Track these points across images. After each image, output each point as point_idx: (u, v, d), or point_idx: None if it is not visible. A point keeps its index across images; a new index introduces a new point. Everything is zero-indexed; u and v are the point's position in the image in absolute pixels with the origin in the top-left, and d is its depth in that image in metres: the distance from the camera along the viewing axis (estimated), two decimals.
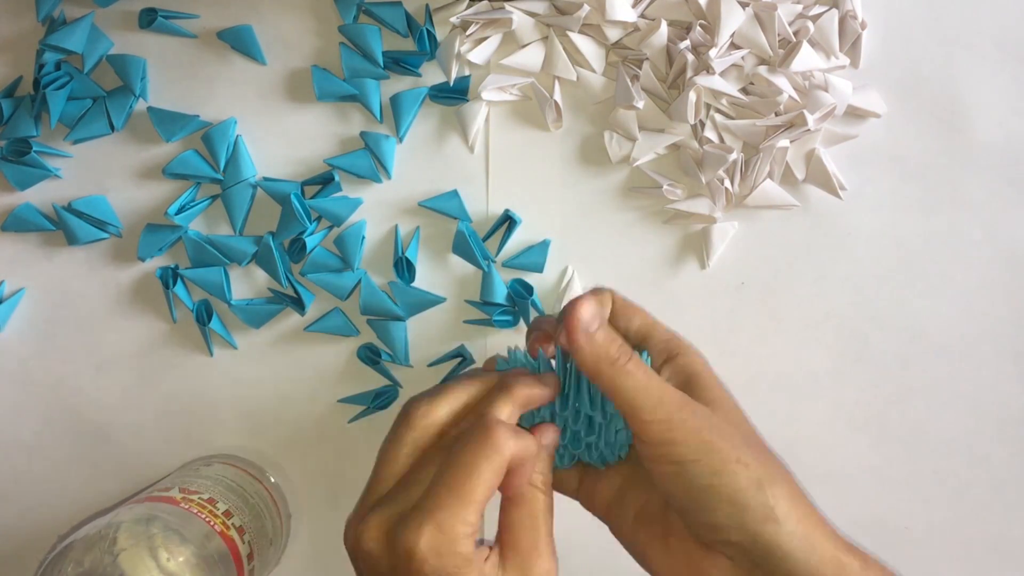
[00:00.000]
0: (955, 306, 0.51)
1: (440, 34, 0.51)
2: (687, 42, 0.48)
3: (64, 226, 0.50)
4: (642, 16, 0.49)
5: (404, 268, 0.50)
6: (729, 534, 0.36)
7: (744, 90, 0.49)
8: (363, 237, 0.51)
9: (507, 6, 0.49)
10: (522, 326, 0.51)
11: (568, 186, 0.51)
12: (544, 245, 0.51)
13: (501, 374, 0.39)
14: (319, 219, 0.51)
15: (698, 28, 0.48)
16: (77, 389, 0.52)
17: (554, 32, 0.50)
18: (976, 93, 0.50)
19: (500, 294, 0.50)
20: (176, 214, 0.50)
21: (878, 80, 0.50)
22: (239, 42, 0.51)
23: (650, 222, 0.51)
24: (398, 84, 0.51)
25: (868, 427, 0.51)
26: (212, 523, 0.43)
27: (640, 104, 0.48)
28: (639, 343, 0.41)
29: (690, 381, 0.39)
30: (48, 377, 0.52)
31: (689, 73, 0.48)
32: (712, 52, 0.47)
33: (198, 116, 0.51)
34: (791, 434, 0.51)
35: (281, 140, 0.51)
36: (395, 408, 0.51)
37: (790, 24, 0.48)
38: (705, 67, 0.48)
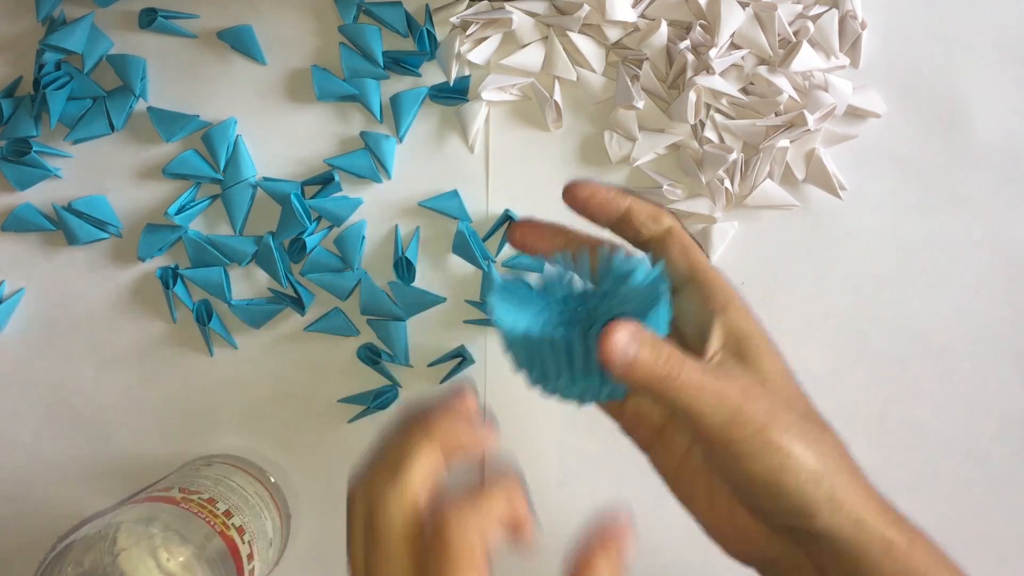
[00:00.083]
0: (955, 306, 0.51)
1: (440, 34, 0.51)
2: (687, 42, 0.48)
3: (64, 226, 0.50)
4: (642, 16, 0.49)
5: (404, 268, 0.50)
6: (785, 519, 0.36)
7: (744, 90, 0.49)
8: (363, 237, 0.51)
9: (507, 6, 0.49)
10: None
11: None
12: None
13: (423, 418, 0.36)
14: (319, 219, 0.51)
15: (698, 28, 0.48)
16: (77, 389, 0.52)
17: (554, 32, 0.50)
18: (976, 93, 0.50)
19: None
20: (176, 214, 0.50)
21: (878, 80, 0.50)
22: (239, 42, 0.51)
23: None
24: (398, 84, 0.51)
25: (868, 427, 0.51)
26: (212, 523, 0.43)
27: (640, 104, 0.48)
28: (683, 282, 0.39)
29: (740, 349, 0.37)
30: (48, 377, 0.52)
31: (689, 73, 0.48)
32: (712, 52, 0.47)
33: (198, 116, 0.51)
34: None
35: (281, 140, 0.51)
36: (395, 408, 0.51)
37: (790, 24, 0.48)
38: (705, 67, 0.48)
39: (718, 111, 0.49)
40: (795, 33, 0.48)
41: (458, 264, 0.51)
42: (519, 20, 0.49)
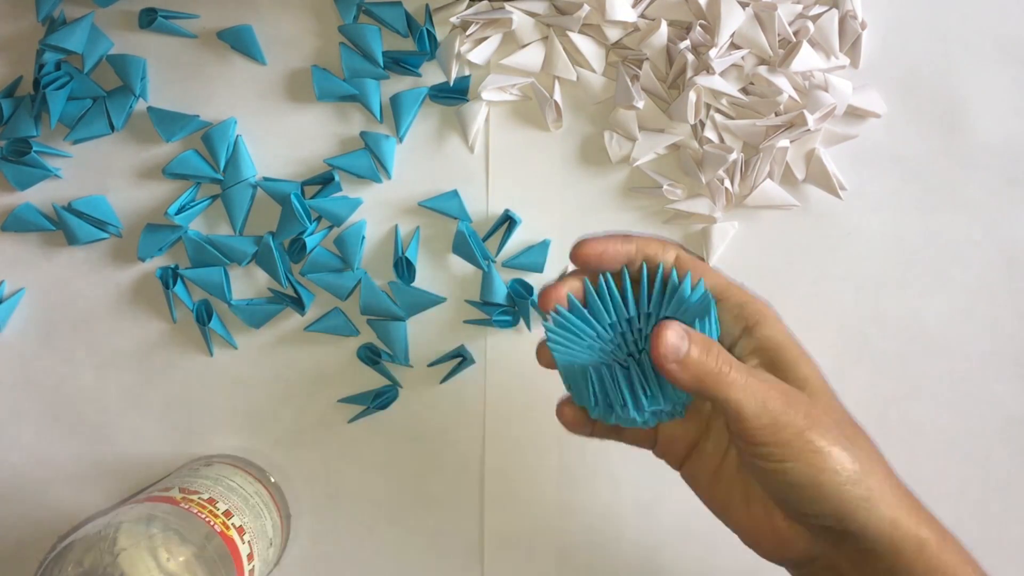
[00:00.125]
0: (955, 306, 0.51)
1: (440, 34, 0.51)
2: (687, 42, 0.48)
3: (64, 226, 0.50)
4: (642, 16, 0.49)
5: (404, 268, 0.50)
6: (823, 520, 0.37)
7: (744, 90, 0.49)
8: (363, 237, 0.51)
9: (507, 6, 0.49)
10: (522, 326, 0.51)
11: (568, 186, 0.51)
12: (544, 245, 0.51)
13: None
14: (319, 219, 0.51)
15: (698, 28, 0.48)
16: (77, 389, 0.52)
17: (554, 32, 0.50)
18: (976, 93, 0.50)
19: (500, 294, 0.50)
20: (176, 214, 0.50)
21: (878, 80, 0.50)
22: (239, 42, 0.51)
23: (650, 222, 0.51)
24: (398, 84, 0.51)
25: (868, 427, 0.51)
26: (212, 523, 0.43)
27: (640, 104, 0.48)
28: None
29: (776, 359, 0.39)
30: (48, 377, 0.52)
31: (689, 73, 0.48)
32: (712, 52, 0.47)
33: (198, 116, 0.51)
34: None
35: (281, 140, 0.51)
36: (395, 408, 0.51)
37: (790, 24, 0.48)
38: (705, 67, 0.48)
39: (718, 111, 0.49)
40: (795, 33, 0.48)
41: (458, 264, 0.51)
42: (519, 20, 0.49)
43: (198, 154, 0.50)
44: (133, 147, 0.51)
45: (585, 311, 0.40)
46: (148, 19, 0.50)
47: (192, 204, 0.51)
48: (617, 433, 0.43)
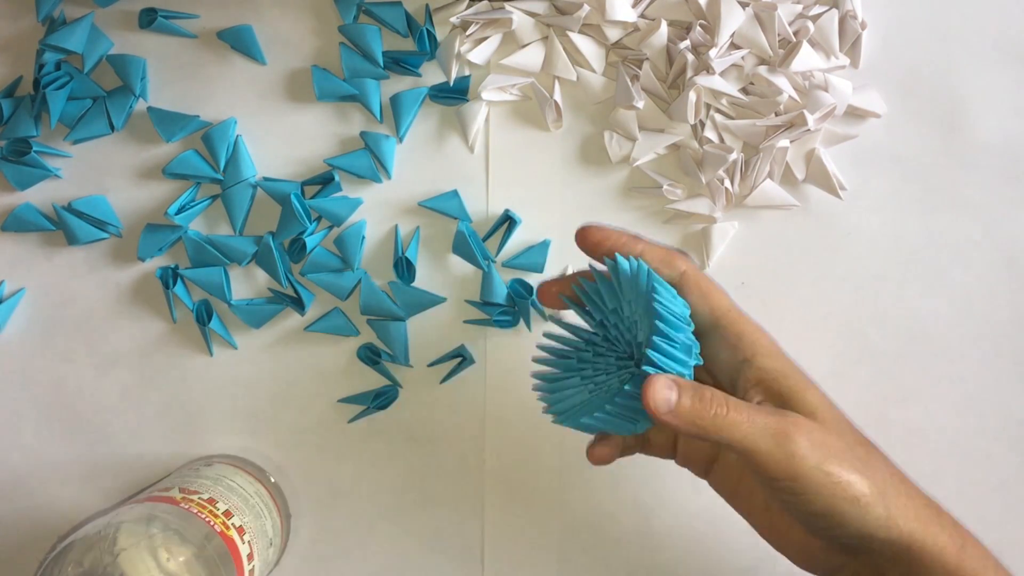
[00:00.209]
0: (955, 306, 0.51)
1: (440, 34, 0.51)
2: (687, 42, 0.48)
3: (64, 226, 0.50)
4: (642, 16, 0.49)
5: (404, 268, 0.50)
6: (844, 539, 0.38)
7: (744, 90, 0.49)
8: (363, 237, 0.51)
9: (507, 6, 0.49)
10: (522, 326, 0.51)
11: (568, 186, 0.51)
12: (544, 245, 0.51)
13: None
14: (319, 219, 0.51)
15: (698, 28, 0.48)
16: (77, 389, 0.52)
17: (554, 32, 0.50)
18: (976, 93, 0.50)
19: (500, 294, 0.50)
20: (176, 214, 0.50)
21: (878, 80, 0.50)
22: (239, 42, 0.51)
23: (650, 222, 0.51)
24: (398, 84, 0.51)
25: (868, 427, 0.51)
26: (212, 523, 0.43)
27: (640, 104, 0.48)
28: (708, 328, 0.40)
29: (780, 389, 0.39)
30: (48, 377, 0.52)
31: (689, 73, 0.48)
32: (712, 52, 0.47)
33: (198, 116, 0.51)
34: None
35: (281, 140, 0.51)
36: (395, 408, 0.51)
37: (790, 24, 0.48)
38: (705, 67, 0.48)
39: (718, 111, 0.49)
40: (795, 33, 0.48)
41: (458, 264, 0.51)
42: (519, 20, 0.49)
43: (198, 154, 0.50)
44: (133, 147, 0.51)
45: (560, 350, 0.42)
46: (148, 19, 0.50)
47: (192, 204, 0.51)
48: (642, 447, 0.43)
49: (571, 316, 0.43)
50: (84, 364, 0.52)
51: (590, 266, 0.42)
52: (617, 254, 0.40)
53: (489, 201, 0.51)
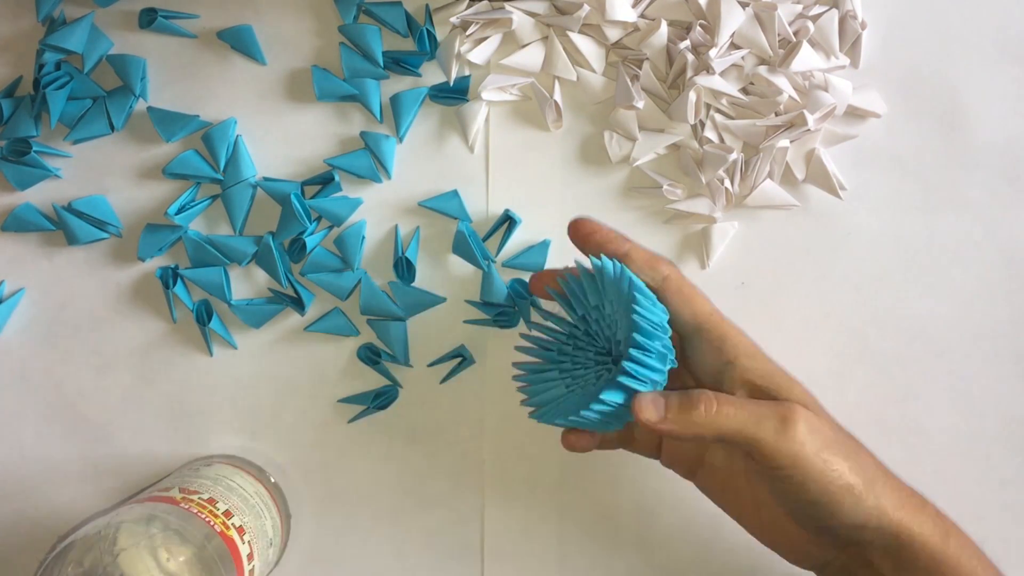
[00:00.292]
0: (955, 306, 0.51)
1: (440, 34, 0.51)
2: (687, 42, 0.48)
3: (64, 226, 0.50)
4: (642, 16, 0.49)
5: (404, 268, 0.50)
6: (837, 529, 0.38)
7: (744, 90, 0.49)
8: (363, 237, 0.51)
9: (507, 6, 0.49)
10: (522, 326, 0.51)
11: (568, 186, 0.51)
12: (544, 245, 0.51)
13: None
14: (319, 219, 0.51)
15: (698, 28, 0.48)
16: (77, 389, 0.52)
17: (554, 32, 0.50)
18: (976, 93, 0.50)
19: (500, 294, 0.50)
20: (176, 214, 0.50)
21: (878, 80, 0.50)
22: (239, 42, 0.51)
23: (650, 222, 0.51)
24: (398, 84, 0.51)
25: (868, 427, 0.51)
26: (212, 523, 0.43)
27: (640, 104, 0.48)
28: (691, 332, 0.41)
29: (766, 386, 0.40)
30: (48, 378, 0.52)
31: (689, 73, 0.48)
32: (712, 52, 0.47)
33: (198, 116, 0.51)
34: None
35: (281, 140, 0.51)
36: (395, 408, 0.51)
37: (790, 24, 0.48)
38: (705, 67, 0.48)
39: (718, 111, 0.49)
40: (795, 33, 0.48)
41: (458, 264, 0.51)
42: (519, 20, 0.49)
43: (198, 154, 0.50)
44: (133, 147, 0.51)
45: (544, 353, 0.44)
46: (148, 19, 0.50)
47: (192, 204, 0.51)
48: (626, 443, 0.44)
49: (557, 310, 0.44)
50: (84, 364, 0.52)
51: (576, 262, 0.43)
52: (603, 256, 0.41)
53: (489, 201, 0.51)
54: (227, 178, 0.50)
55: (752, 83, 0.49)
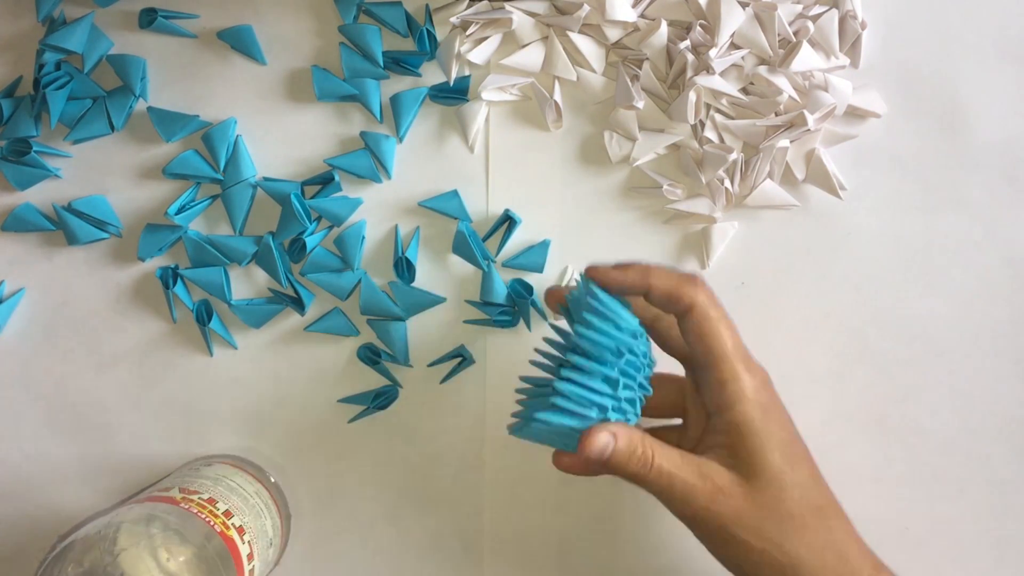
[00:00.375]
0: (955, 306, 0.51)
1: (440, 34, 0.51)
2: (687, 42, 0.48)
3: (64, 226, 0.50)
4: (642, 16, 0.49)
5: (404, 268, 0.50)
6: None
7: (744, 90, 0.49)
8: (363, 237, 0.51)
9: (507, 6, 0.49)
10: (522, 326, 0.51)
11: (568, 186, 0.51)
12: (544, 245, 0.51)
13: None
14: (319, 219, 0.51)
15: (698, 28, 0.48)
16: (77, 389, 0.52)
17: (554, 32, 0.50)
18: (976, 93, 0.50)
19: (500, 294, 0.50)
20: (176, 214, 0.50)
21: (878, 80, 0.50)
22: (239, 42, 0.51)
23: (650, 222, 0.51)
24: (398, 84, 0.51)
25: (868, 427, 0.51)
26: (212, 523, 0.43)
27: (640, 104, 0.48)
28: (701, 368, 0.41)
29: (739, 446, 0.39)
30: (48, 377, 0.52)
31: (689, 73, 0.48)
32: (712, 52, 0.47)
33: (198, 116, 0.51)
34: None
35: (281, 140, 0.51)
36: (395, 408, 0.51)
37: (790, 24, 0.48)
38: (705, 67, 0.48)
39: (718, 111, 0.49)
40: (795, 33, 0.48)
41: (458, 264, 0.51)
42: (519, 20, 0.49)
43: (198, 154, 0.50)
44: (133, 147, 0.51)
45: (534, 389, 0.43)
46: (148, 19, 0.50)
47: (192, 204, 0.51)
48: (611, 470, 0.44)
49: (565, 325, 0.44)
50: (84, 364, 0.52)
51: (577, 276, 0.43)
52: (580, 278, 0.41)
53: (489, 201, 0.51)
54: (227, 178, 0.50)
55: (752, 83, 0.49)
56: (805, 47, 0.48)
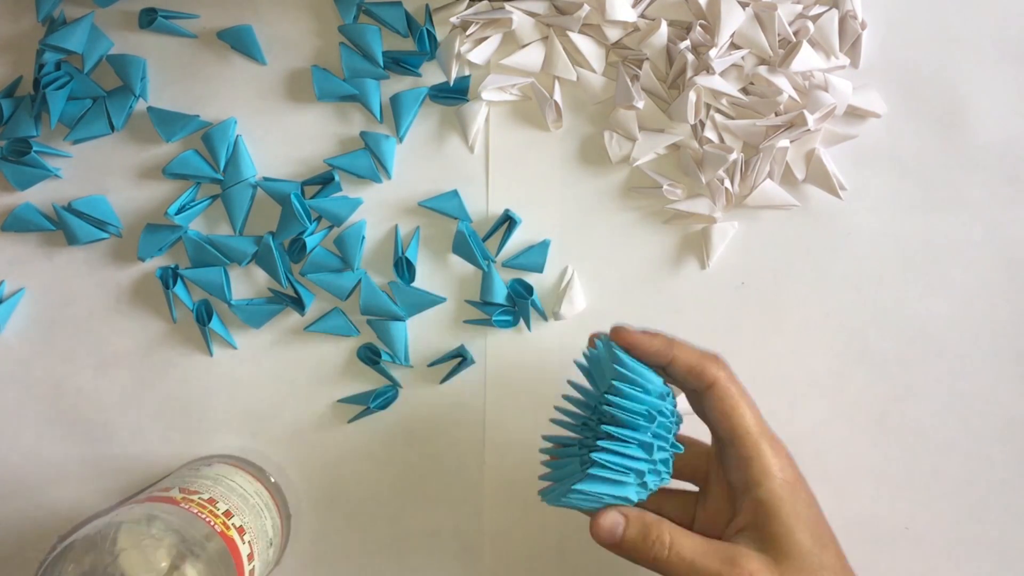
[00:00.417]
0: (955, 306, 0.51)
1: (440, 34, 0.51)
2: (687, 42, 0.48)
3: (64, 226, 0.50)
4: (642, 16, 0.49)
5: (404, 268, 0.50)
6: None
7: (744, 90, 0.49)
8: (363, 237, 0.51)
9: (507, 6, 0.49)
10: (522, 326, 0.51)
11: (568, 186, 0.51)
12: (544, 245, 0.51)
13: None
14: (319, 219, 0.51)
15: (698, 28, 0.48)
16: (77, 389, 0.52)
17: (554, 32, 0.50)
18: (976, 93, 0.50)
19: (500, 294, 0.50)
20: (176, 214, 0.50)
21: (878, 80, 0.50)
22: (239, 42, 0.51)
23: (650, 222, 0.51)
24: (398, 84, 0.51)
25: (868, 427, 0.51)
26: (212, 523, 0.43)
27: (640, 104, 0.48)
28: (726, 443, 0.40)
29: (764, 527, 0.39)
30: (48, 377, 0.52)
31: (689, 73, 0.48)
32: (712, 52, 0.47)
33: (198, 116, 0.51)
34: (791, 434, 0.51)
35: (281, 140, 0.51)
36: (395, 408, 0.51)
37: (790, 24, 0.48)
38: (705, 67, 0.48)
39: (718, 111, 0.49)
40: (795, 33, 0.48)
41: (458, 264, 0.51)
42: (519, 20, 0.49)
43: (198, 154, 0.50)
44: (133, 147, 0.51)
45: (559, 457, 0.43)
46: (148, 19, 0.50)
47: (192, 204, 0.51)
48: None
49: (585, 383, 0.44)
50: (84, 364, 0.52)
51: (592, 339, 0.43)
52: (599, 341, 0.41)
53: (489, 201, 0.51)
54: (227, 178, 0.50)
55: (752, 83, 0.49)
56: (805, 47, 0.48)
